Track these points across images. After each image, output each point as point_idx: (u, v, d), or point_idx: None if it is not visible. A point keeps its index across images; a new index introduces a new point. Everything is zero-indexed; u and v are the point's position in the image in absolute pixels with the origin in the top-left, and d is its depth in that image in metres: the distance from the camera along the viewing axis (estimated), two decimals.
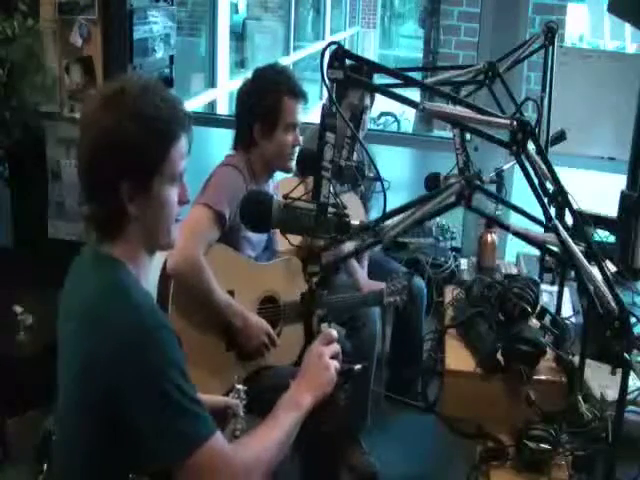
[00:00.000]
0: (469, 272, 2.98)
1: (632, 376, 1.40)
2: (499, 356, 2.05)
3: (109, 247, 1.44)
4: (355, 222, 1.47)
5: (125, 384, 1.30)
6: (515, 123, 1.34)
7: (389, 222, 1.45)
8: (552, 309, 2.25)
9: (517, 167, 1.40)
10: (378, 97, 2.65)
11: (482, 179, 2.31)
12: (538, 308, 2.17)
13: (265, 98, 2.39)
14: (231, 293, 2.32)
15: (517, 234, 1.45)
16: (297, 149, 2.47)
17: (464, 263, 3.15)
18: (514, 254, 3.18)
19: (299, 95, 2.43)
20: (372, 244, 1.50)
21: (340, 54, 1.41)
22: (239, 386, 1.77)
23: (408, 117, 9.69)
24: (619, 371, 1.41)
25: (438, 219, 3.41)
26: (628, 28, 9.46)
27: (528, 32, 3.45)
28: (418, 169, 7.21)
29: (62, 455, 1.47)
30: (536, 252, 2.87)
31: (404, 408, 3.16)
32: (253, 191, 2.36)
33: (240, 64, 9.74)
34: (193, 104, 6.22)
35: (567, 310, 2.35)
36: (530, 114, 2.43)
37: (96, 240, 1.45)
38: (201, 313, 2.26)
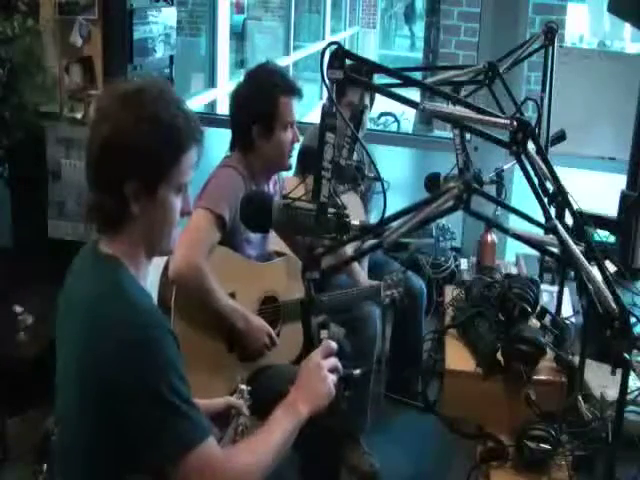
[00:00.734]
0: (469, 272, 2.98)
1: (632, 376, 1.40)
2: (499, 356, 2.05)
3: (109, 246, 1.44)
4: (355, 222, 1.47)
5: (122, 383, 1.30)
6: (515, 123, 1.34)
7: (390, 226, 1.44)
8: (552, 309, 2.25)
9: (517, 167, 1.40)
10: (378, 97, 2.64)
11: (481, 179, 2.33)
12: (538, 308, 2.17)
13: (262, 100, 2.39)
14: (232, 295, 2.32)
15: (517, 237, 1.45)
16: (296, 146, 2.48)
17: (464, 263, 3.15)
18: (514, 254, 3.18)
19: (294, 92, 2.44)
20: (372, 248, 1.50)
21: (340, 54, 1.41)
22: (243, 386, 1.78)
23: (408, 117, 9.70)
24: (619, 371, 1.41)
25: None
26: (628, 28, 9.46)
27: (528, 32, 3.45)
28: (418, 169, 7.21)
29: (62, 455, 1.48)
30: (536, 252, 2.87)
31: (404, 408, 3.16)
32: (253, 191, 2.36)
33: (240, 64, 9.74)
34: (193, 104, 6.21)
35: (567, 310, 2.34)
36: (530, 114, 2.43)
37: (96, 233, 1.45)
38: (203, 316, 2.26)
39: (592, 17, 10.73)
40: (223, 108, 7.24)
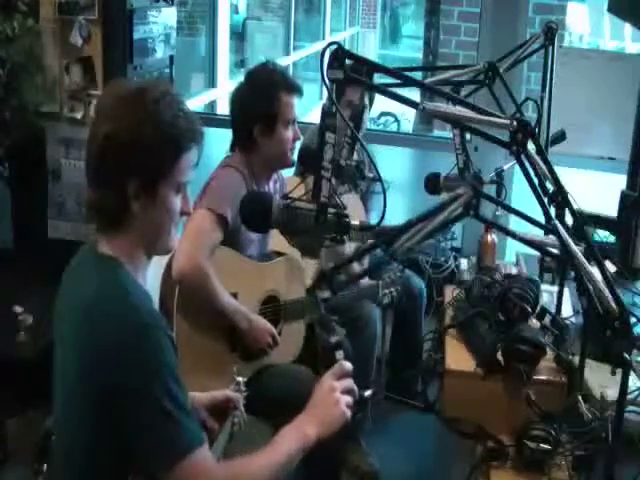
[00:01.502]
0: (469, 272, 2.98)
1: (632, 376, 1.40)
2: (499, 356, 2.05)
3: (108, 246, 1.44)
4: (355, 222, 1.47)
5: (120, 383, 1.30)
6: (515, 123, 1.34)
7: (400, 239, 1.42)
8: (552, 309, 2.25)
9: (517, 167, 1.40)
10: (378, 97, 2.65)
11: (482, 180, 2.33)
12: (538, 308, 2.17)
13: (262, 99, 2.39)
14: (234, 295, 2.32)
15: (522, 240, 1.45)
16: (298, 144, 2.48)
17: (464, 263, 3.14)
18: (514, 254, 3.18)
19: (295, 90, 2.44)
20: (383, 263, 1.47)
21: (340, 54, 1.41)
22: (239, 378, 1.77)
23: (408, 117, 9.70)
24: (619, 371, 1.41)
25: None
26: (628, 28, 9.46)
27: (528, 32, 3.45)
28: (418, 169, 7.20)
29: (62, 455, 1.47)
30: (536, 252, 2.87)
31: (404, 408, 3.16)
32: (253, 192, 2.36)
33: (240, 64, 9.73)
34: (193, 104, 6.21)
35: (567, 310, 2.35)
36: (530, 114, 2.43)
37: (95, 230, 1.45)
38: (206, 316, 2.26)
39: (592, 17, 10.73)
40: (223, 108, 7.24)
